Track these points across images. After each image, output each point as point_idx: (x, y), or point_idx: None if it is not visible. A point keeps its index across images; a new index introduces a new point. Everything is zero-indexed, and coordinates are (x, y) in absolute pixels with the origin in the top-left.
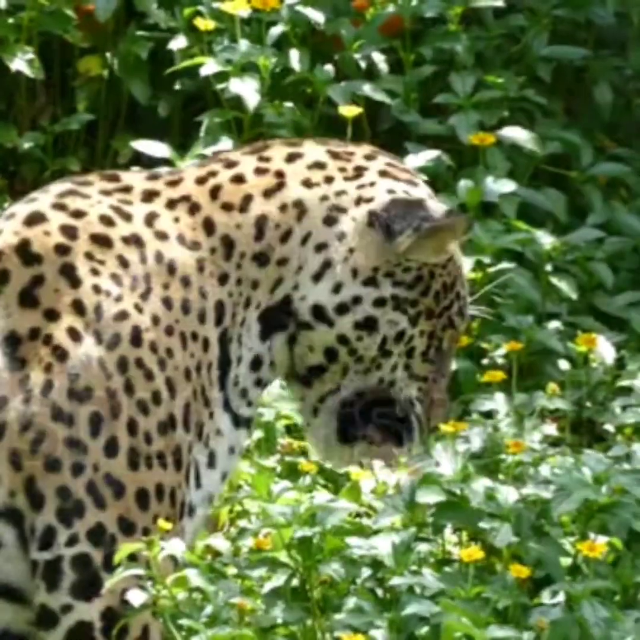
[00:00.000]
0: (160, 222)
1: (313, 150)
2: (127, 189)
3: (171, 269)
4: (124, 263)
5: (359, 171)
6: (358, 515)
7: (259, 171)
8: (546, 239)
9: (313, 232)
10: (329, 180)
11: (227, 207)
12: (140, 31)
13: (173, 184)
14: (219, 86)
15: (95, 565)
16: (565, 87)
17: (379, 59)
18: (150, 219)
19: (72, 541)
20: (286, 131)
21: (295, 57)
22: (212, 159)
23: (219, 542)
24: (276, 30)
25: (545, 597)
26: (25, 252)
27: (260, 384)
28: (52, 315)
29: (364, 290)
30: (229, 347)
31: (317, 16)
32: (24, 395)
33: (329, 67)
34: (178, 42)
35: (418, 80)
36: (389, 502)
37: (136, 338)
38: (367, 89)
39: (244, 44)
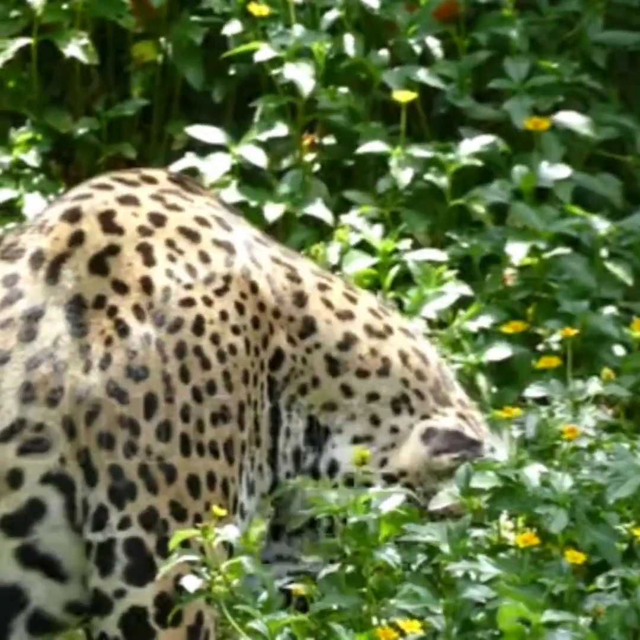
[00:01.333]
0: (258, 253)
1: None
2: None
3: (253, 287)
4: (205, 258)
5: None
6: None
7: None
8: (601, 224)
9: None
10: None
11: (328, 304)
12: (194, 16)
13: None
14: (274, 72)
15: (148, 550)
16: (620, 72)
17: (433, 44)
18: (250, 244)
19: (124, 524)
20: (341, 116)
21: (349, 43)
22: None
23: None
24: (331, 15)
25: (600, 583)
26: (107, 220)
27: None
28: (119, 288)
29: (380, 482)
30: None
31: (371, 1)
32: (83, 364)
33: (383, 52)
34: (232, 27)
35: (472, 66)
36: (445, 488)
37: (198, 327)
38: (421, 74)
39: (298, 29)
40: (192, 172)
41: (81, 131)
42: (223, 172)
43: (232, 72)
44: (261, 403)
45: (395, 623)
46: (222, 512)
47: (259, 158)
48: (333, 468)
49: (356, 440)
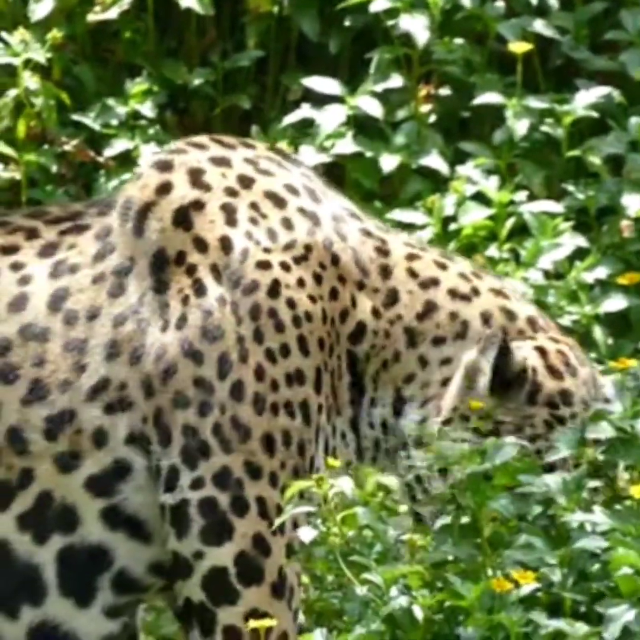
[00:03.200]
0: (346, 226)
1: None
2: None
3: (334, 259)
4: (288, 225)
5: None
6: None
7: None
8: None
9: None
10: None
11: (413, 273)
12: None
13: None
14: (389, 22)
15: (222, 509)
16: None
17: None
18: (338, 217)
19: (197, 484)
20: (457, 67)
21: None
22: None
23: (390, 480)
24: None
25: None
26: (196, 176)
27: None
28: (200, 245)
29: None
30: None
31: None
32: (162, 323)
33: (499, 3)
34: None
35: (588, 17)
36: (561, 438)
37: (274, 290)
38: (537, 25)
39: None
40: (308, 123)
41: (197, 82)
42: (338, 123)
43: (347, 23)
44: (338, 374)
45: (509, 574)
46: (337, 463)
47: (374, 109)
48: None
49: (423, 404)
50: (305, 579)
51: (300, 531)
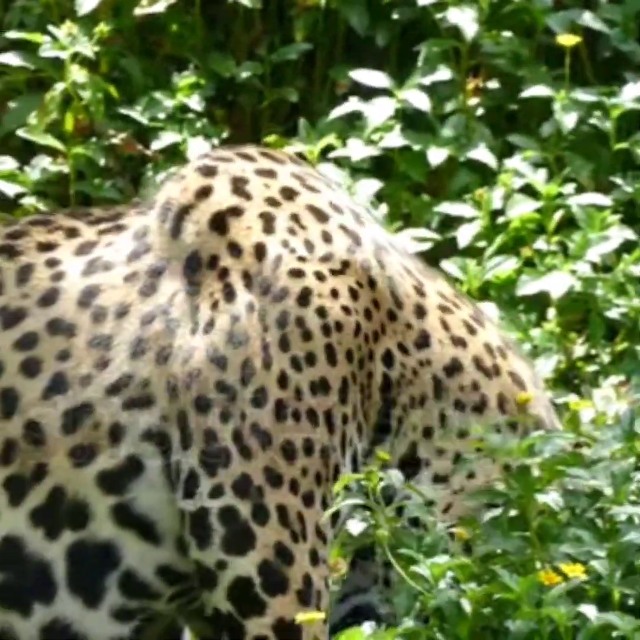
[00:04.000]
0: (387, 256)
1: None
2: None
3: (371, 282)
4: (327, 238)
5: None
6: (577, 445)
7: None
8: None
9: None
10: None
11: (445, 325)
12: None
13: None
14: (437, 15)
15: (243, 518)
16: None
17: None
18: (381, 245)
19: (216, 492)
20: (504, 61)
21: None
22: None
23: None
24: None
25: None
26: (239, 185)
27: None
28: (234, 250)
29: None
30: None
31: None
32: (191, 326)
33: None
34: None
35: (637, 9)
36: (609, 432)
37: (304, 298)
38: (586, 18)
39: None
40: (356, 116)
41: (244, 75)
42: (387, 116)
43: (395, 16)
44: (368, 392)
45: (558, 567)
46: (387, 456)
47: (422, 102)
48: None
49: (436, 478)
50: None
51: (349, 524)
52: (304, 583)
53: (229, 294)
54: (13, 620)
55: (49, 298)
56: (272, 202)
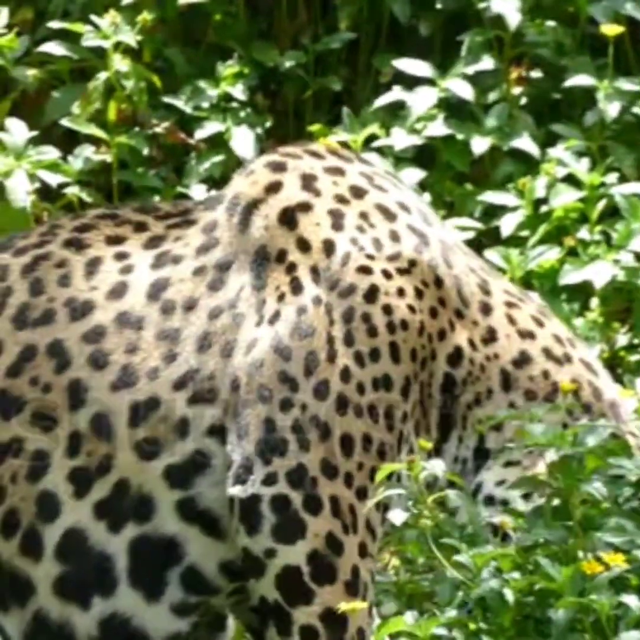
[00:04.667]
0: (453, 255)
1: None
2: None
3: (438, 281)
4: (395, 237)
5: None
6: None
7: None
8: None
9: None
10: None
11: (511, 320)
12: None
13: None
14: (481, 5)
15: (295, 507)
16: None
17: None
18: (447, 245)
19: (270, 480)
20: (548, 50)
21: None
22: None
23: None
24: None
25: None
26: (308, 181)
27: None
28: (302, 245)
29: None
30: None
31: None
32: (257, 319)
33: None
34: None
35: None
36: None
37: (371, 295)
38: (629, 7)
39: None
40: (399, 105)
41: (288, 64)
42: (430, 106)
43: (439, 5)
44: (429, 391)
45: (600, 556)
46: (429, 445)
47: (466, 91)
48: (476, 490)
49: (508, 464)
50: (396, 561)
51: (391, 514)
52: (352, 574)
53: (296, 288)
54: (72, 613)
55: (117, 291)
56: (341, 199)
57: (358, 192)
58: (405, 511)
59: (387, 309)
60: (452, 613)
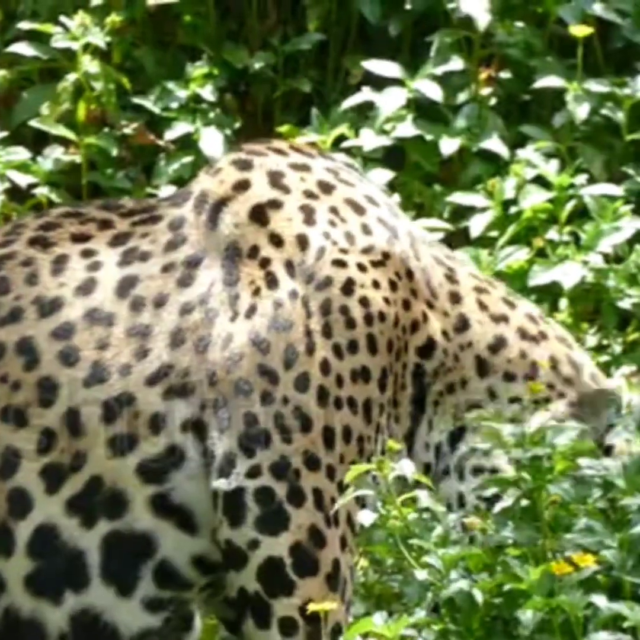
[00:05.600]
0: (420, 248)
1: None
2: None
3: (409, 273)
4: (367, 231)
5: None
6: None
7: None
8: None
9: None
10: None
11: (482, 305)
12: None
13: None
14: (450, 5)
15: (279, 499)
16: None
17: None
18: (414, 237)
19: (254, 473)
20: (517, 51)
21: None
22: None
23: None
24: None
25: None
26: (275, 178)
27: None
28: (275, 240)
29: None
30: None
31: None
32: (231, 314)
33: None
34: None
35: None
36: (621, 422)
37: (347, 287)
38: (597, 8)
39: None
40: (368, 106)
41: (257, 65)
42: (399, 106)
43: (408, 6)
44: (402, 383)
45: (569, 557)
46: (398, 446)
47: (435, 92)
48: (459, 464)
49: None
50: (364, 562)
51: (360, 514)
52: (333, 567)
53: (272, 282)
54: (43, 608)
55: (86, 288)
56: (310, 194)
57: (326, 188)
58: (374, 512)
59: (364, 301)
60: (421, 614)
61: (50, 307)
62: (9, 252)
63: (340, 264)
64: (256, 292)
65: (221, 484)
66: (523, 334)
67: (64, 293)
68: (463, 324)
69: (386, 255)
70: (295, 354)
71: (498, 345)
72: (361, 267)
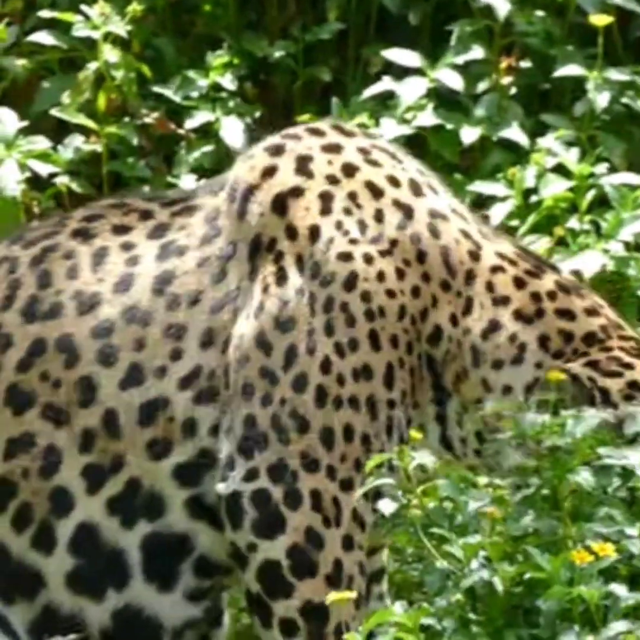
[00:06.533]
0: (443, 224)
1: None
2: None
3: (420, 256)
4: (379, 217)
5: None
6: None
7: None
8: None
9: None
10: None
11: (489, 287)
12: None
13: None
14: None
15: (275, 502)
16: None
17: None
18: (437, 213)
19: (251, 476)
20: (537, 40)
21: None
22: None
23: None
24: None
25: None
26: (303, 163)
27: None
28: (291, 232)
29: None
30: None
31: None
32: (246, 311)
33: None
34: None
35: None
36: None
37: (349, 283)
38: None
39: None
40: (388, 95)
41: (277, 54)
42: (419, 96)
43: None
44: (420, 374)
45: (589, 546)
46: (419, 435)
47: (455, 81)
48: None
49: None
50: (385, 551)
51: (380, 503)
52: (334, 568)
53: (281, 278)
54: (84, 605)
55: (124, 284)
56: (332, 180)
57: (349, 170)
58: (394, 501)
59: (366, 296)
60: (441, 603)
61: (90, 304)
62: (53, 244)
63: (345, 257)
64: (265, 289)
65: (221, 488)
66: (518, 316)
67: (102, 289)
68: (467, 307)
69: (394, 243)
70: (295, 354)
71: (490, 330)
72: (367, 259)
